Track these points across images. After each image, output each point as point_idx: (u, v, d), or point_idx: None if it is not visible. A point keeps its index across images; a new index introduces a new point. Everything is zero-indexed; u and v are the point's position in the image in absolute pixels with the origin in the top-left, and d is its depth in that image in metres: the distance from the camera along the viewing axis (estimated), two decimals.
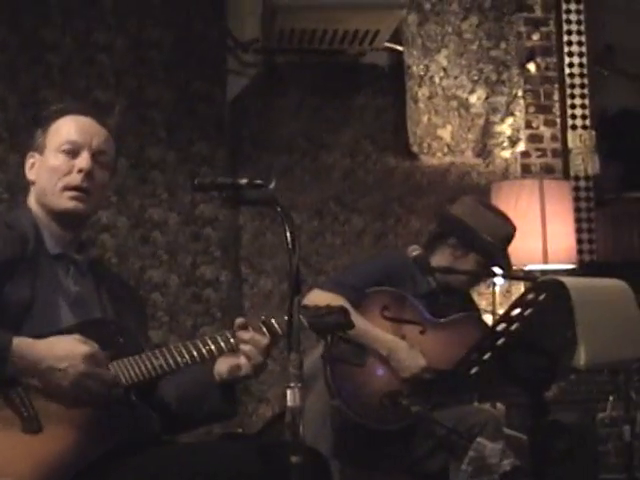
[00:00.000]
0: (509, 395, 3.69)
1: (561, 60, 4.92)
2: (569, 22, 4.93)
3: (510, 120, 4.85)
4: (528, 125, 4.88)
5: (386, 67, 4.78)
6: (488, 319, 4.19)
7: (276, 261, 4.54)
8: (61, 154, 2.31)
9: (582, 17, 4.93)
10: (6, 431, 2.01)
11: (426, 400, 3.13)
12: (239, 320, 2.25)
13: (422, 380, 3.21)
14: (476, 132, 4.81)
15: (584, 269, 4.62)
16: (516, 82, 4.87)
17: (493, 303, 4.43)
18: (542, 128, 4.92)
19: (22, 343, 2.06)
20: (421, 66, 4.78)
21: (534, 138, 4.90)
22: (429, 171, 4.77)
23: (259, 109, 4.64)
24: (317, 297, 3.23)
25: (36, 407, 2.04)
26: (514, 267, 3.82)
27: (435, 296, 3.45)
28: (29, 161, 2.39)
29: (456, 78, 4.82)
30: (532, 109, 4.90)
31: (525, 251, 4.22)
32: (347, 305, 2.91)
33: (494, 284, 4.44)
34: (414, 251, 3.43)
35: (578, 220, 4.72)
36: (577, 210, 4.74)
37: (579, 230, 4.73)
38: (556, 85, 4.93)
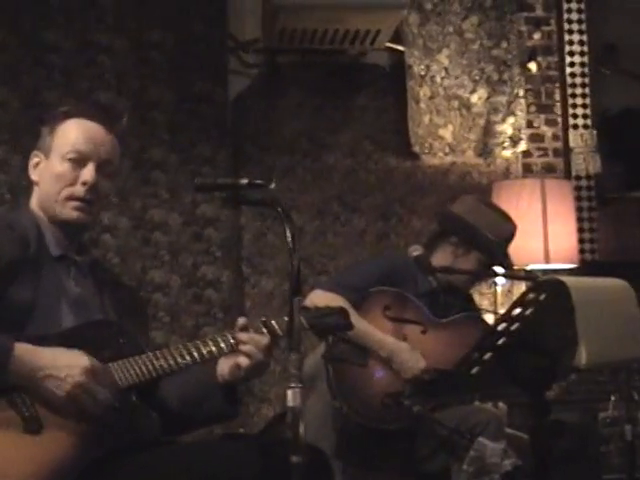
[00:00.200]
0: (510, 395, 3.69)
1: (562, 59, 4.92)
2: (570, 21, 4.93)
3: (511, 120, 4.85)
4: (529, 125, 4.88)
5: (387, 67, 4.78)
6: (489, 319, 4.18)
7: (277, 261, 4.54)
8: (67, 162, 2.30)
9: (583, 16, 4.93)
10: (8, 432, 2.01)
11: (427, 400, 3.13)
12: (240, 321, 2.26)
13: (423, 381, 3.21)
14: (477, 132, 4.80)
15: (586, 269, 4.61)
16: (517, 81, 4.86)
17: (494, 303, 4.43)
18: (543, 127, 4.91)
19: (24, 349, 2.05)
20: (422, 66, 4.77)
21: (535, 138, 4.90)
22: (430, 171, 4.77)
23: (260, 109, 4.64)
24: (317, 298, 3.23)
25: (38, 408, 2.04)
26: (515, 267, 3.82)
27: (436, 296, 3.45)
28: (33, 160, 2.38)
29: (457, 78, 4.81)
30: (533, 108, 4.90)
31: (527, 251, 4.22)
32: (347, 306, 2.92)
33: (495, 284, 4.44)
34: (415, 251, 3.43)
35: (579, 220, 4.72)
36: (578, 210, 4.73)
37: (580, 230, 4.72)
38: (557, 84, 4.92)
